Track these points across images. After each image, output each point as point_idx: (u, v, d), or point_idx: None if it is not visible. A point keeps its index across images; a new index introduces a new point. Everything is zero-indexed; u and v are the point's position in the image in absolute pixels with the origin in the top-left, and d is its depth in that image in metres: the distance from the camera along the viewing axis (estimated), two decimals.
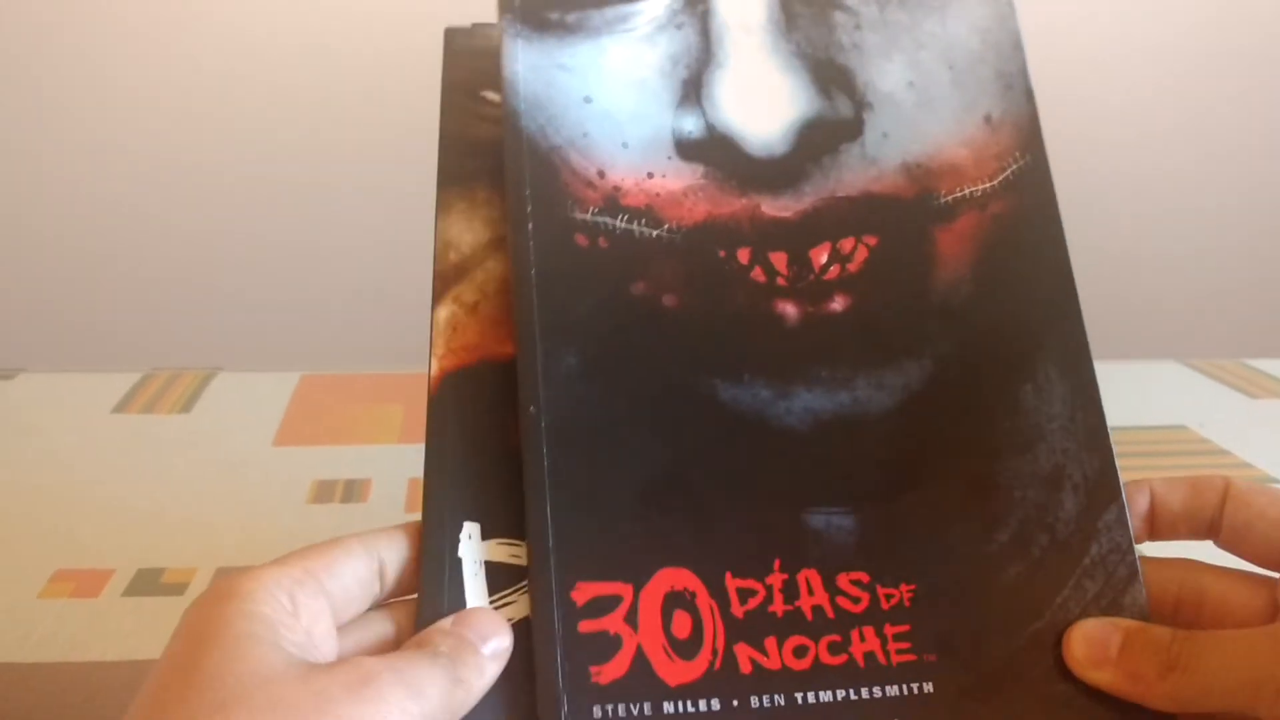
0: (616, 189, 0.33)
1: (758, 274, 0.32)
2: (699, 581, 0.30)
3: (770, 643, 0.29)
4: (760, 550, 0.30)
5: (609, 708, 0.28)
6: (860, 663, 0.29)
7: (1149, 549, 0.31)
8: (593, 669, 0.28)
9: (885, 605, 0.30)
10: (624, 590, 0.29)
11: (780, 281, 0.32)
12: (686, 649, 0.29)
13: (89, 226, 1.36)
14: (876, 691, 0.29)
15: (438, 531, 0.30)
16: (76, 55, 1.29)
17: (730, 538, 0.30)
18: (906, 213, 0.33)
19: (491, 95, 0.36)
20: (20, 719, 0.41)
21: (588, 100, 0.34)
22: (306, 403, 0.71)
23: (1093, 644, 0.29)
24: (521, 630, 0.29)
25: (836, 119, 0.34)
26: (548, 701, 0.28)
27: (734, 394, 0.31)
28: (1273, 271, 1.52)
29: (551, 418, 0.31)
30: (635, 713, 0.28)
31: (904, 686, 0.29)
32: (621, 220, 0.33)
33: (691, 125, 0.34)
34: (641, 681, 0.28)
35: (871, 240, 0.33)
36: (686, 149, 0.34)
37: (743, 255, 0.32)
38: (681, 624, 0.29)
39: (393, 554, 0.30)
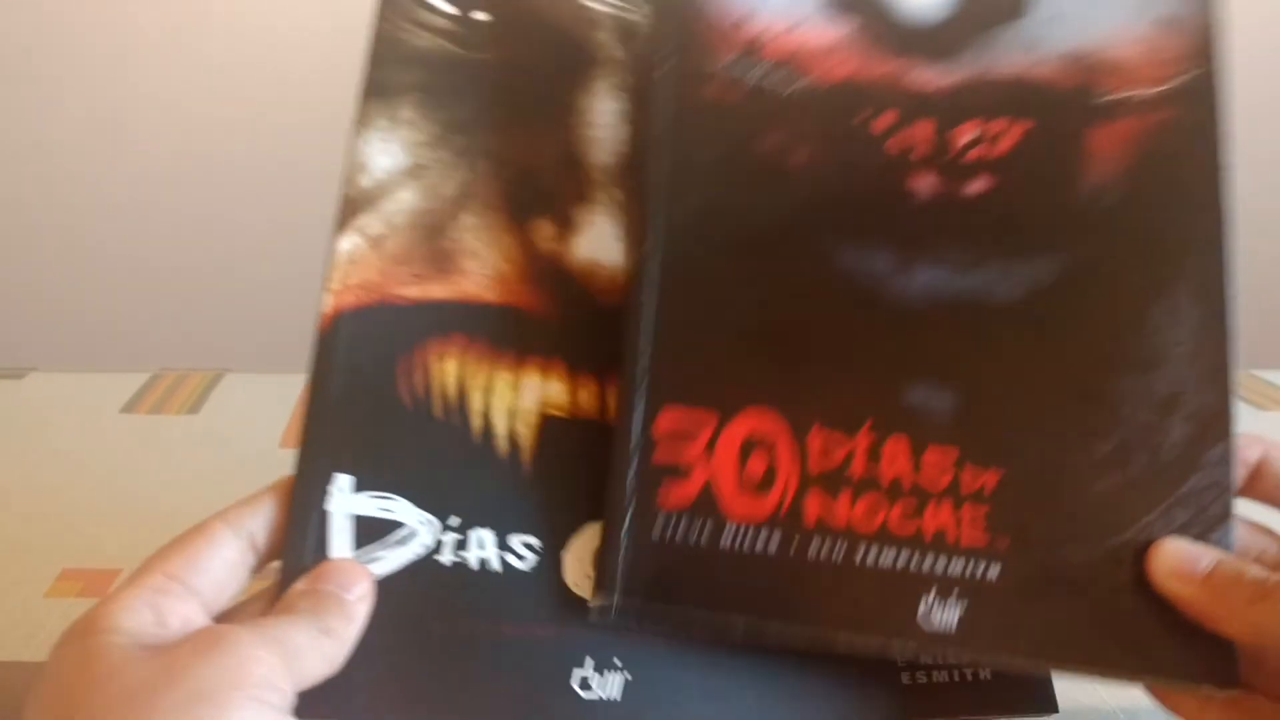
0: (755, 42, 0.31)
1: (894, 145, 0.31)
2: (785, 425, 0.29)
3: (844, 497, 0.29)
4: (854, 407, 0.30)
5: (670, 529, 0.29)
6: (928, 536, 0.29)
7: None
8: (661, 490, 0.29)
9: (968, 487, 0.29)
10: (709, 419, 0.29)
11: (916, 155, 0.31)
12: (757, 488, 0.29)
13: (99, 227, 1.37)
14: (940, 567, 0.28)
15: (308, 483, 0.30)
16: (84, 53, 1.29)
17: (826, 389, 0.30)
18: (1062, 104, 0.31)
19: (438, 2, 0.34)
20: None
21: None
22: None
23: (1185, 557, 0.28)
24: (388, 587, 0.29)
25: None
26: (613, 516, 0.29)
27: (854, 259, 0.30)
28: None
29: (667, 255, 0.30)
30: (693, 538, 0.28)
31: (969, 566, 0.28)
32: (758, 72, 0.31)
33: None
34: (706, 510, 0.29)
35: (1025, 125, 0.31)
36: (845, 1, 0.32)
37: (884, 120, 0.31)
38: (757, 464, 0.29)
39: (261, 522, 0.30)
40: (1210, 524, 0.29)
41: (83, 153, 1.34)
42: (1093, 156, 0.31)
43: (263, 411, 0.69)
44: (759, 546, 0.29)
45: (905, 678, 0.30)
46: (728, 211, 0.31)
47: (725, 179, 0.31)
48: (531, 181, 0.33)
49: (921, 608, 0.28)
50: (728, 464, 0.29)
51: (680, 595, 0.28)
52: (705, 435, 0.29)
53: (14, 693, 0.43)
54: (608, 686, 0.29)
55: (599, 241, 0.33)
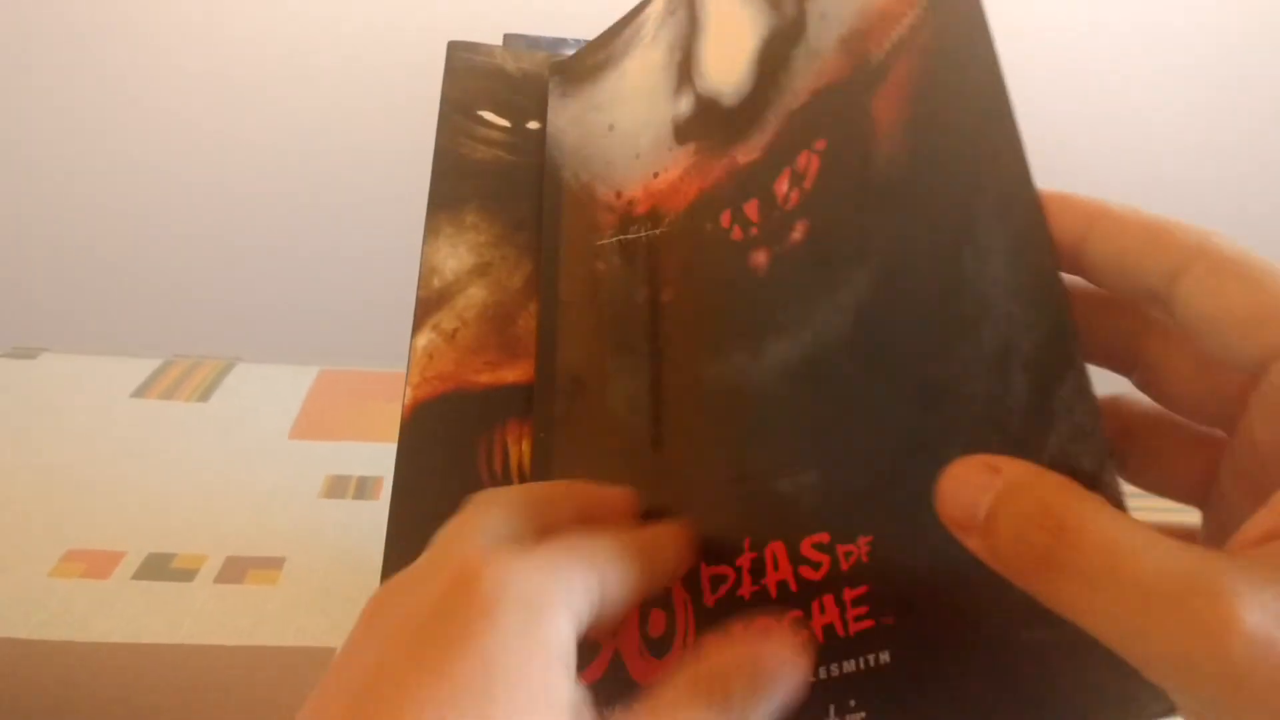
0: (630, 203, 0.34)
1: (736, 234, 0.32)
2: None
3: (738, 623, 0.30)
4: (732, 533, 0.30)
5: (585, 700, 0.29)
6: (820, 637, 0.28)
7: None
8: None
9: (845, 565, 0.28)
10: None
11: (754, 232, 0.32)
12: (659, 647, 0.30)
13: (117, 212, 1.38)
14: (834, 669, 0.27)
15: (401, 564, 0.31)
16: (99, 35, 1.30)
17: (704, 532, 0.30)
18: (847, 95, 0.30)
19: (489, 115, 0.37)
20: (25, 694, 0.41)
21: (610, 129, 0.35)
22: (323, 397, 0.71)
23: (960, 500, 0.20)
24: None
25: (784, 25, 0.32)
26: None
27: (716, 371, 0.31)
28: None
29: (557, 430, 0.32)
30: (610, 703, 0.29)
31: (860, 660, 0.27)
32: (631, 232, 0.34)
33: (685, 105, 0.34)
34: (615, 683, 0.29)
35: (820, 145, 0.30)
36: (682, 131, 0.34)
37: (724, 219, 0.32)
38: (656, 622, 0.30)
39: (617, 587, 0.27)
40: (1092, 477, 0.22)
41: (103, 140, 1.34)
42: (878, 128, 0.29)
43: (273, 401, 0.70)
44: None
45: None
46: (611, 376, 0.33)
47: (607, 345, 0.33)
48: None
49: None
50: (630, 631, 0.30)
51: None
52: None
53: (16, 670, 0.43)
54: None
55: None
